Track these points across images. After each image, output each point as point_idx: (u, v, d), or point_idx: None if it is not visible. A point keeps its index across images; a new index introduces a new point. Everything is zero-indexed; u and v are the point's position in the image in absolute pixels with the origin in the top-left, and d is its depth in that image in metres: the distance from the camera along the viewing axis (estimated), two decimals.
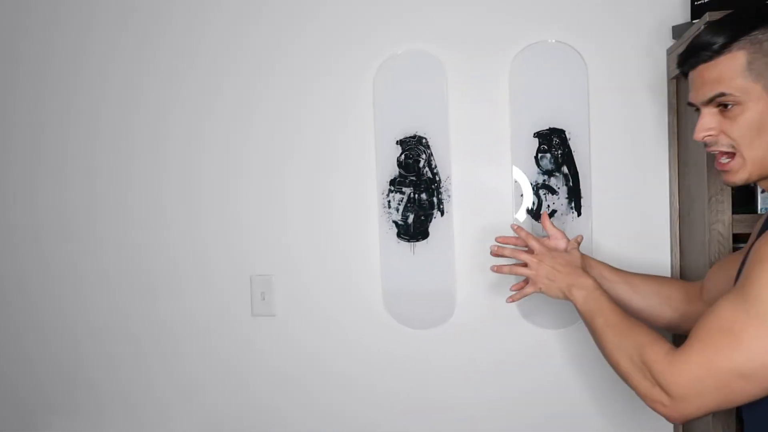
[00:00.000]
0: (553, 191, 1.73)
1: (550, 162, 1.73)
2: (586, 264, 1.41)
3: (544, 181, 1.74)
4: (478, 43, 1.75)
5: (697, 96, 1.07)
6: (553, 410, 1.77)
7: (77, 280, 1.95)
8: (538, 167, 1.74)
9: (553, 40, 1.72)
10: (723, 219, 1.37)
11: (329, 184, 1.83)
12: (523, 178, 1.74)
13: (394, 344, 1.82)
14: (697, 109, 1.09)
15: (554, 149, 1.72)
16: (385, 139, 1.79)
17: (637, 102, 1.70)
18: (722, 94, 1.03)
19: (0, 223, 1.98)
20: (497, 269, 1.42)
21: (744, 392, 0.96)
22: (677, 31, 1.60)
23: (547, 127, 1.72)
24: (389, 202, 1.79)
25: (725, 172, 1.08)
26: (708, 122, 1.06)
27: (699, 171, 1.46)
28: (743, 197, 1.43)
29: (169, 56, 1.88)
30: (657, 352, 1.04)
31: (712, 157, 1.36)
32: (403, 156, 1.78)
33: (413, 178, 1.78)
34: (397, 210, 1.79)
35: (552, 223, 1.47)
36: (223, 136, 1.87)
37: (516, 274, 1.39)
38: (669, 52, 1.66)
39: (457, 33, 1.76)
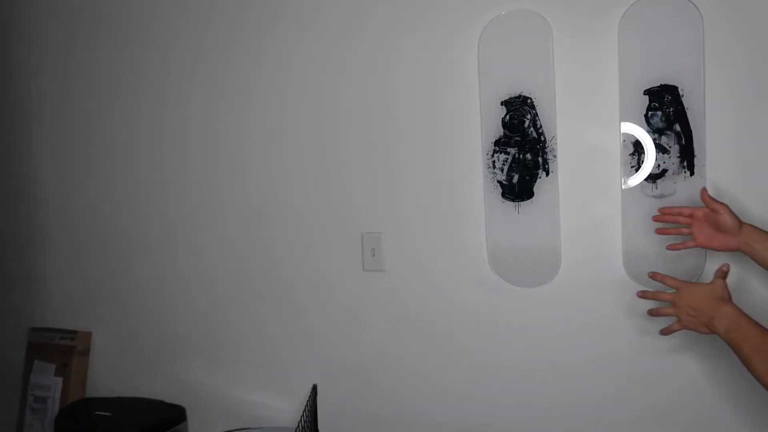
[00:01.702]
0: (664, 150, 1.69)
1: (661, 120, 1.68)
2: (750, 237, 1.39)
3: (654, 139, 1.69)
4: (586, 0, 1.72)
5: None
6: (660, 379, 1.75)
7: (218, 233, 2.15)
8: (648, 125, 1.69)
9: None
10: None
11: (435, 146, 1.89)
12: (645, 136, 1.70)
13: (498, 301, 1.87)
14: None
15: (665, 107, 1.67)
16: (489, 100, 1.81)
17: (759, 55, 1.61)
18: None
19: (151, 180, 2.22)
20: (641, 295, 1.50)
21: None
22: None
23: (659, 84, 1.67)
24: (494, 162, 1.82)
25: None
26: None
27: None
28: None
29: (264, 16, 2.00)
30: None
31: None
32: (507, 116, 1.80)
33: (518, 139, 1.80)
34: (502, 170, 1.82)
35: (710, 196, 1.47)
36: (334, 99, 1.97)
37: (660, 313, 1.45)
38: None
39: None
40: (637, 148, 1.71)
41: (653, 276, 1.46)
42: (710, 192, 1.64)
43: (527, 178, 1.80)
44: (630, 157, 1.72)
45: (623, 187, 1.73)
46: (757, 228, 1.42)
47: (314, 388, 2.05)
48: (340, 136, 1.98)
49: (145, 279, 2.24)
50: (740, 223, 1.41)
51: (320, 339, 2.06)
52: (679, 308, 1.37)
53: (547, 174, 1.79)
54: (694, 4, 1.63)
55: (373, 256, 1.97)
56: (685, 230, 1.49)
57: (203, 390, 2.18)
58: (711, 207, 1.45)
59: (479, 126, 1.83)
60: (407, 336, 1.97)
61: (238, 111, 2.08)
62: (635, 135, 1.71)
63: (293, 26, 2.00)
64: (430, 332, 1.95)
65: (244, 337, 2.15)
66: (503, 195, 1.83)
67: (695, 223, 1.47)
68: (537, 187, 1.80)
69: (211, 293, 2.17)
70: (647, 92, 1.68)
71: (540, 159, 1.79)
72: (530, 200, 1.81)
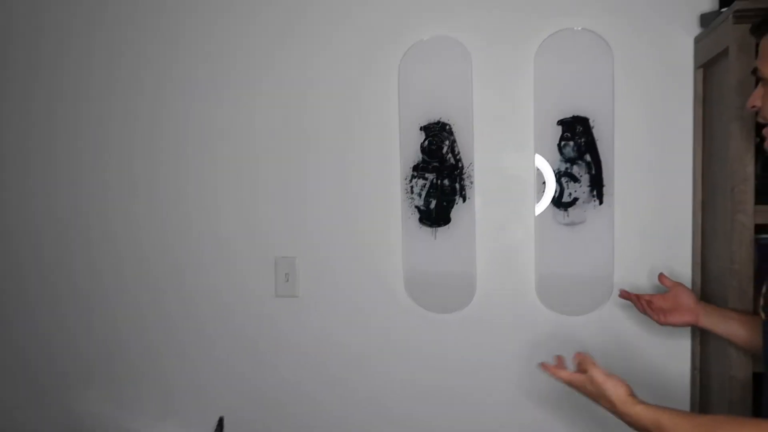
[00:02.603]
0: (575, 179, 1.74)
1: (573, 150, 1.73)
2: (706, 313, 1.41)
3: (566, 168, 1.74)
4: (504, 31, 1.76)
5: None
6: (574, 396, 1.78)
7: (116, 259, 2.01)
8: (561, 155, 1.74)
9: (580, 28, 1.71)
10: (745, 209, 1.37)
11: (353, 169, 1.86)
12: (546, 166, 1.75)
13: (413, 327, 1.85)
14: None
15: (577, 137, 1.73)
16: (409, 125, 1.80)
17: (663, 90, 1.69)
18: (755, 69, 1.10)
19: (46, 211, 2.05)
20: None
21: None
22: (705, 19, 1.59)
23: (571, 115, 1.73)
24: (412, 187, 1.82)
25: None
26: (755, 94, 1.13)
27: (723, 161, 1.46)
28: (766, 188, 1.42)
29: (187, 45, 1.93)
30: None
31: (736, 147, 1.37)
32: (426, 142, 1.80)
33: (436, 164, 1.80)
34: (420, 195, 1.81)
35: (668, 278, 1.50)
36: (248, 119, 1.90)
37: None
38: (697, 40, 1.64)
39: (483, 20, 1.76)
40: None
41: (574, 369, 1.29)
42: (616, 220, 1.72)
43: (445, 203, 1.80)
44: (543, 185, 1.76)
45: (536, 214, 1.76)
46: (710, 305, 1.46)
47: (221, 421, 1.95)
48: (255, 157, 1.91)
49: (36, 300, 2.06)
50: (696, 300, 1.46)
51: (228, 368, 1.96)
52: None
53: (464, 200, 1.80)
54: (604, 39, 1.70)
55: (287, 281, 1.91)
56: (640, 308, 1.53)
57: (100, 424, 2.03)
58: (668, 285, 1.50)
59: (398, 151, 1.82)
60: (321, 364, 1.91)
61: (150, 131, 1.97)
62: (541, 165, 1.75)
63: (187, 54, 1.93)
64: (345, 360, 1.90)
65: (146, 365, 2.02)
66: (421, 220, 1.82)
67: (654, 305, 1.50)
68: (454, 213, 1.80)
69: (109, 317, 2.02)
70: (560, 122, 1.73)
71: (457, 185, 1.80)
72: (447, 226, 1.81)
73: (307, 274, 1.90)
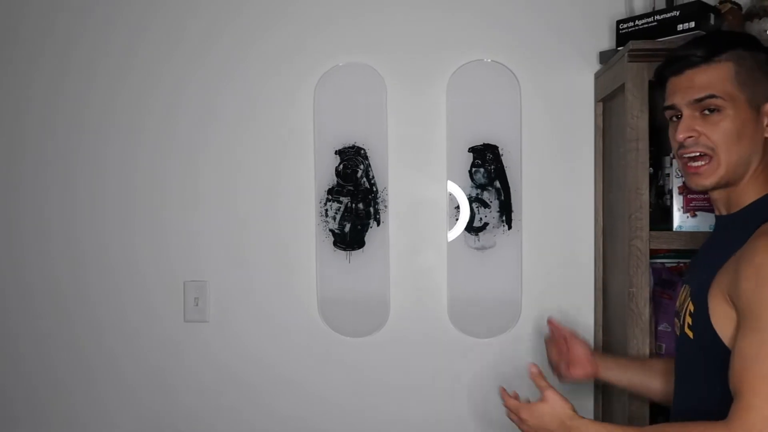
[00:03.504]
0: (485, 205, 1.79)
1: (484, 176, 1.79)
2: (603, 364, 1.40)
3: (477, 194, 1.79)
4: (418, 59, 1.80)
5: (683, 98, 1.11)
6: (487, 417, 1.82)
7: (22, 284, 1.91)
8: (472, 181, 1.79)
9: (489, 60, 1.78)
10: (641, 235, 1.45)
11: (267, 192, 1.84)
12: (460, 192, 1.79)
13: (328, 352, 1.84)
14: (675, 115, 1.13)
15: (487, 164, 1.78)
16: (324, 149, 1.81)
17: (566, 122, 1.78)
18: (712, 96, 1.08)
19: None
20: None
21: None
22: (604, 56, 1.70)
23: (482, 143, 1.78)
24: (326, 210, 1.81)
25: (696, 174, 1.11)
26: (691, 124, 1.10)
27: (621, 189, 1.54)
28: (660, 215, 1.52)
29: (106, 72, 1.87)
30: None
31: (633, 176, 1.45)
32: (341, 166, 1.81)
33: (351, 188, 1.81)
34: (334, 219, 1.81)
35: (574, 334, 1.45)
36: (160, 142, 1.86)
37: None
38: (596, 75, 1.75)
39: (398, 48, 1.80)
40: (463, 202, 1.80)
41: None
42: (524, 245, 1.78)
43: (359, 227, 1.81)
44: (455, 210, 1.80)
45: (449, 238, 1.80)
46: (604, 355, 1.48)
47: None
48: (166, 178, 1.86)
49: None
50: (591, 351, 1.43)
51: (134, 396, 1.88)
52: (531, 428, 1.21)
53: (378, 224, 1.81)
54: (512, 72, 1.77)
55: (197, 305, 1.85)
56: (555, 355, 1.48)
57: None
58: (567, 337, 1.45)
59: (313, 174, 1.81)
60: (231, 391, 1.86)
61: (64, 154, 1.88)
62: (454, 191, 1.80)
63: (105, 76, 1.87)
64: (255, 386, 1.86)
65: (44, 394, 1.90)
66: (335, 244, 1.82)
67: (562, 357, 1.45)
68: (368, 237, 1.81)
69: (11, 338, 1.90)
70: (471, 150, 1.79)
71: (372, 209, 1.81)
72: (361, 249, 1.82)
73: (219, 298, 1.86)
